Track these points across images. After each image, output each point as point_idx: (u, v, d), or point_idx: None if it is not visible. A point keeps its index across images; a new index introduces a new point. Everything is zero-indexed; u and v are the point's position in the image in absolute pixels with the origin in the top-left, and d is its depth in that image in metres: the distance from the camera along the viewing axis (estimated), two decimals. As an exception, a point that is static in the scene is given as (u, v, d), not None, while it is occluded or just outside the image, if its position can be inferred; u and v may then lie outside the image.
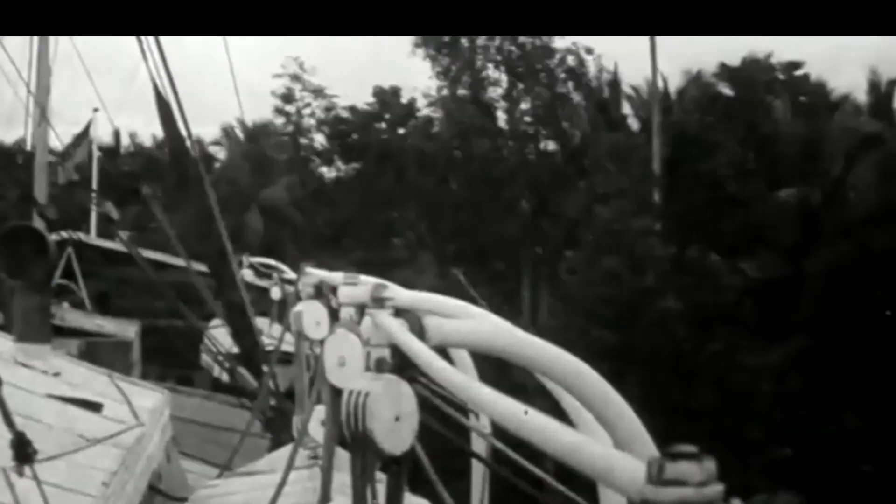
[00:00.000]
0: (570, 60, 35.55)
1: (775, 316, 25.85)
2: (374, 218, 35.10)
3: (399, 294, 2.88)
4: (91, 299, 18.65)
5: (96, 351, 12.06)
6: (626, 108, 35.17)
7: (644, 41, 31.03)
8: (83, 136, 25.72)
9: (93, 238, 21.94)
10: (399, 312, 2.41)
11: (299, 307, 5.13)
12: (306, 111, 38.73)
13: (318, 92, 38.28)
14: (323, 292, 4.74)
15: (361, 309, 3.10)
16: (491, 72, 35.99)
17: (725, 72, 32.89)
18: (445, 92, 36.16)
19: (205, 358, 16.19)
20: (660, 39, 30.79)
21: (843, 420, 24.10)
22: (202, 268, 12.07)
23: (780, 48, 32.97)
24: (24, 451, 4.42)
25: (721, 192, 28.32)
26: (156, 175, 30.85)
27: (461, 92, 36.00)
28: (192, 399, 13.86)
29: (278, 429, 9.03)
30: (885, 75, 32.17)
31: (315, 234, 34.06)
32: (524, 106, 36.20)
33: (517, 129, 35.98)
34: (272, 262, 9.30)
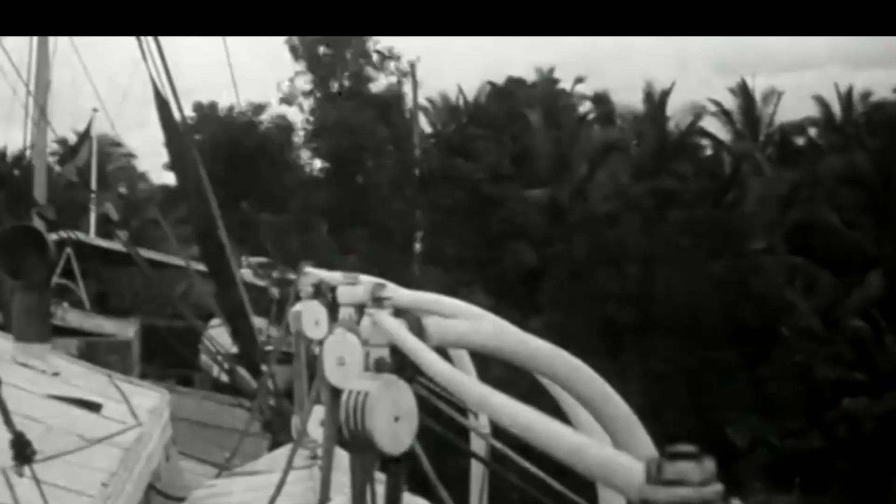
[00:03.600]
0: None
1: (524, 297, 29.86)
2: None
3: (398, 294, 2.88)
4: (90, 299, 18.62)
5: (95, 351, 12.03)
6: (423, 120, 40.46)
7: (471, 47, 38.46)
8: (85, 137, 25.65)
9: (92, 238, 21.92)
10: (398, 312, 2.41)
11: (298, 307, 5.12)
12: None
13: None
14: (322, 292, 4.74)
15: (361, 309, 3.11)
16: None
17: (490, 88, 38.20)
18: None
19: (204, 358, 16.17)
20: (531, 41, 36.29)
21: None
22: (201, 267, 12.06)
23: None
24: (23, 452, 4.42)
25: (478, 194, 33.12)
26: None
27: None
28: (192, 399, 13.82)
29: (277, 429, 9.03)
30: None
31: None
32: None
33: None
34: (269, 261, 9.31)
